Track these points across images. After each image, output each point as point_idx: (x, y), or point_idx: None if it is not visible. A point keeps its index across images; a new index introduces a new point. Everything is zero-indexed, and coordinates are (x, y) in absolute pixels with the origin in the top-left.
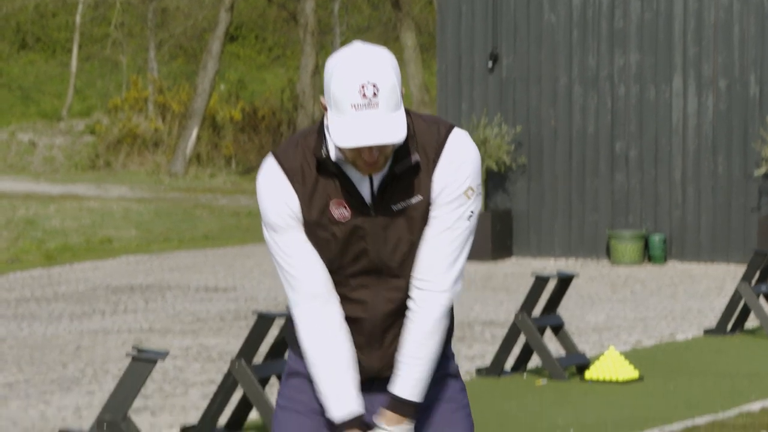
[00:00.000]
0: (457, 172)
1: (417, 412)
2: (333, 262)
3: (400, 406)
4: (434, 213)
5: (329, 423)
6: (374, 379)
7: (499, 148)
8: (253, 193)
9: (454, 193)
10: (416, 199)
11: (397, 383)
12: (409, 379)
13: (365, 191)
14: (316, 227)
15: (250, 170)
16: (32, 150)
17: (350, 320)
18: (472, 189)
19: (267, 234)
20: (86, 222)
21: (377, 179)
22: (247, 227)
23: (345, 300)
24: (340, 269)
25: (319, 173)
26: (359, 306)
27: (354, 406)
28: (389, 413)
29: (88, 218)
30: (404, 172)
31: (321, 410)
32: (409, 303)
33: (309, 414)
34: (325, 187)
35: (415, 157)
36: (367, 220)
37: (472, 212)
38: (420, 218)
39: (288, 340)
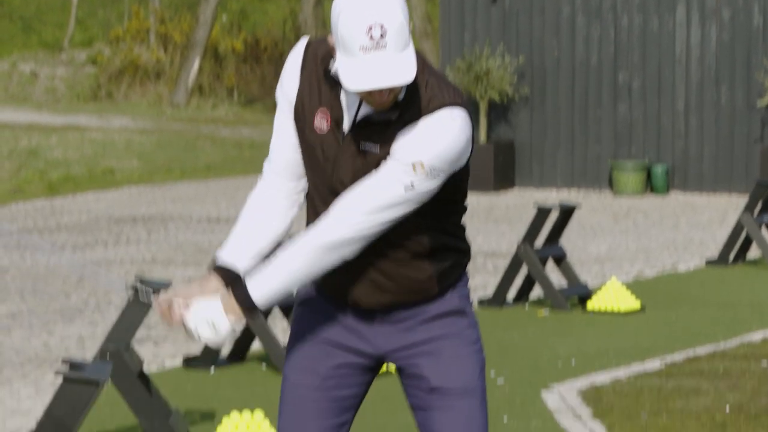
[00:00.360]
0: (420, 141)
1: (248, 313)
2: (306, 161)
3: (234, 288)
4: (383, 164)
5: (336, 351)
6: (359, 307)
7: (502, 79)
8: (255, 124)
9: (405, 157)
10: (377, 148)
11: (250, 272)
12: (259, 272)
13: (348, 119)
14: (298, 122)
15: (252, 101)
16: (34, 80)
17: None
18: (422, 165)
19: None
20: (88, 152)
21: (362, 113)
22: (250, 158)
23: (318, 213)
24: (311, 175)
25: (324, 80)
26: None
27: (235, 263)
28: (216, 281)
29: (90, 149)
30: (382, 120)
31: (327, 339)
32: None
33: (313, 342)
34: (321, 94)
35: (395, 113)
36: (335, 145)
37: (412, 185)
38: (374, 167)
39: None
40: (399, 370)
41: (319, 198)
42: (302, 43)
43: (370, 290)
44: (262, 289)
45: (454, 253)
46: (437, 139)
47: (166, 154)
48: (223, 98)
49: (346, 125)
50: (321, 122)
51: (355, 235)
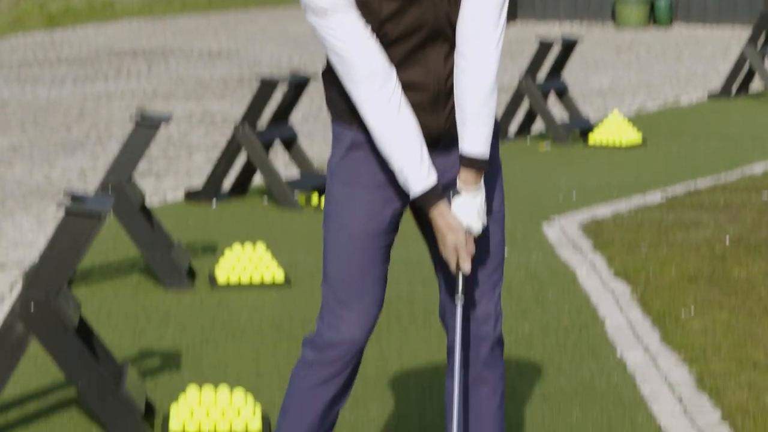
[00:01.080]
0: None
1: (486, 167)
2: (389, 35)
3: (475, 164)
4: None
5: (396, 195)
6: (440, 137)
7: None
8: None
9: None
10: None
11: (468, 142)
12: (479, 136)
13: None
14: (365, 7)
15: None
16: None
17: (415, 84)
18: None
19: (314, 21)
20: None
21: None
22: None
23: (407, 65)
24: (398, 39)
25: None
26: (422, 69)
27: (432, 178)
28: (466, 173)
29: None
30: None
31: (386, 183)
32: (462, 63)
33: (373, 188)
34: None
35: None
36: None
37: None
38: None
39: (333, 110)
40: None
41: (420, 53)
42: None
43: (447, 117)
44: (488, 146)
45: None
46: None
47: None
48: None
49: None
50: None
51: (502, 47)
